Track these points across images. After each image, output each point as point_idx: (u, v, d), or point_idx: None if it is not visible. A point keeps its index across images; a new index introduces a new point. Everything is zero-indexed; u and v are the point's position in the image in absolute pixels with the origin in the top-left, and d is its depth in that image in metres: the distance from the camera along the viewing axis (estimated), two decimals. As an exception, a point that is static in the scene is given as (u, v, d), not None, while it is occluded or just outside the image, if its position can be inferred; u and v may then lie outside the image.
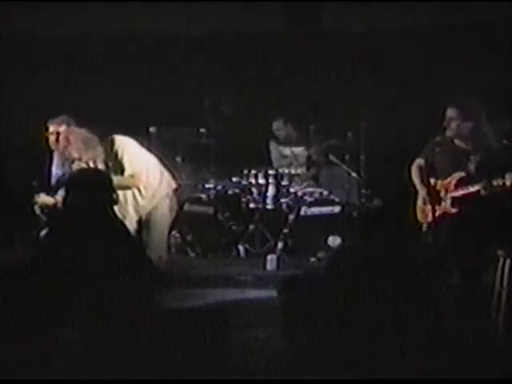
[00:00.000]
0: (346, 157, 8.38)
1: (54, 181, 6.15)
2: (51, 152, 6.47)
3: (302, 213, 7.86)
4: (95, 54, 9.07)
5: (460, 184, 5.81)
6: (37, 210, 6.10)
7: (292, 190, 8.02)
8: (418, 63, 8.78)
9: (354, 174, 8.39)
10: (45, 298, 4.24)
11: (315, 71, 8.90)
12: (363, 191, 8.32)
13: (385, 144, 8.03)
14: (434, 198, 5.87)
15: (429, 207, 5.90)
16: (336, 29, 9.06)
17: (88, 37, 9.03)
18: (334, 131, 8.24)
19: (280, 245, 7.65)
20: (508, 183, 5.54)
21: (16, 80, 8.74)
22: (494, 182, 5.60)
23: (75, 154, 5.74)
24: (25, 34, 8.90)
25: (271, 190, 7.76)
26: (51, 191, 6.01)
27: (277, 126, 8.73)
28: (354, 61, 8.97)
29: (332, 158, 8.42)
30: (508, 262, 5.62)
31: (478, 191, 5.68)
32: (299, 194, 8.05)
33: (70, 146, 5.73)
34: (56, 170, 6.28)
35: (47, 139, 6.26)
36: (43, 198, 5.94)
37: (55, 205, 5.84)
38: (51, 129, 6.23)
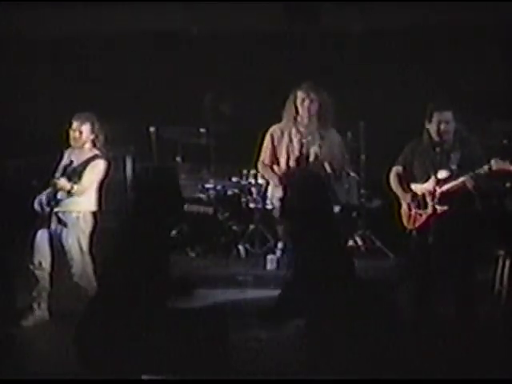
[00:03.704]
0: (346, 157, 8.36)
1: (69, 170, 6.20)
2: (61, 149, 6.45)
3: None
4: (94, 53, 9.06)
5: (445, 182, 5.75)
6: (41, 197, 6.13)
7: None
8: (418, 63, 8.77)
9: (353, 174, 8.38)
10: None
11: (315, 71, 8.89)
12: (363, 191, 8.31)
13: (385, 144, 8.01)
14: (421, 201, 5.84)
15: (416, 212, 5.86)
16: (335, 29, 9.05)
17: (87, 36, 9.02)
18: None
19: (280, 245, 7.65)
20: (494, 167, 5.51)
21: (16, 80, 8.74)
22: (481, 171, 5.57)
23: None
24: (23, 34, 8.89)
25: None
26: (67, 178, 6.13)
27: None
28: (354, 61, 8.96)
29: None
30: (508, 261, 5.63)
31: (464, 182, 5.63)
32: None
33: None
34: (68, 162, 6.30)
35: (68, 135, 6.28)
36: (63, 182, 6.10)
37: (70, 191, 6.07)
38: (75, 125, 6.24)
